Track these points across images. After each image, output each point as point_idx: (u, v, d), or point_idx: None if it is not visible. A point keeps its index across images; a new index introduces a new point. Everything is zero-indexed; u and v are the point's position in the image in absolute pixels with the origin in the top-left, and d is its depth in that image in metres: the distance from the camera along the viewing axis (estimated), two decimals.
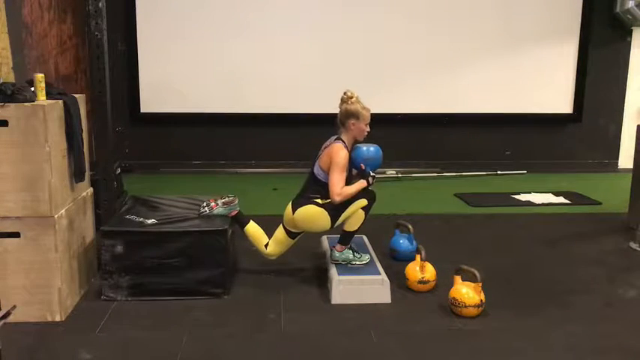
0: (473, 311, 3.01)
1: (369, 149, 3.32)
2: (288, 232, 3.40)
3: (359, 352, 2.72)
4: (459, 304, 3.02)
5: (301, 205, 3.29)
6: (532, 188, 5.84)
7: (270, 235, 3.47)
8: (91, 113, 3.76)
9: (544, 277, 3.62)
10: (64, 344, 2.75)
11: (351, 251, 3.42)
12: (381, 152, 3.34)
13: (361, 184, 3.25)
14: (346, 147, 3.27)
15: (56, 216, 2.90)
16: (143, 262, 3.15)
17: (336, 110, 3.36)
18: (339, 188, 3.20)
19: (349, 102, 3.28)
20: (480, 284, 3.02)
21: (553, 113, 6.85)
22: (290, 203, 3.36)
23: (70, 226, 3.08)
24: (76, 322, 2.96)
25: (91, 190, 3.50)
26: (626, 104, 6.95)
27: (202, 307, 3.11)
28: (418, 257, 3.36)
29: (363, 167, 3.28)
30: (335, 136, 3.34)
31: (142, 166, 6.44)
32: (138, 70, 6.35)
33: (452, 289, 3.08)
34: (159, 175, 6.43)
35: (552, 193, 5.70)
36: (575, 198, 5.57)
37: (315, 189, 3.31)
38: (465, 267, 3.10)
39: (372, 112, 3.31)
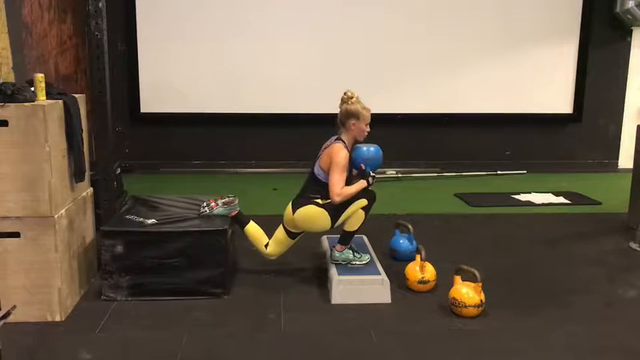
0: (473, 311, 3.01)
1: (369, 149, 3.32)
2: (288, 233, 3.40)
3: (359, 352, 2.72)
4: (459, 304, 3.02)
5: (301, 205, 3.29)
6: (532, 188, 5.84)
7: (270, 235, 3.47)
8: (91, 113, 3.76)
9: (544, 277, 3.62)
10: (64, 344, 2.75)
11: (351, 251, 3.42)
12: (381, 152, 3.34)
13: (361, 184, 3.25)
14: (346, 147, 3.27)
15: (56, 216, 2.90)
16: (143, 262, 3.15)
17: (336, 110, 3.36)
18: (339, 188, 3.20)
19: (349, 102, 3.28)
20: (480, 284, 3.02)
21: (553, 113, 6.85)
22: (290, 203, 3.36)
23: (70, 226, 3.08)
24: (76, 322, 2.96)
25: (91, 190, 3.50)
26: (626, 104, 6.95)
27: (202, 307, 3.11)
28: (418, 257, 3.36)
29: (363, 167, 3.28)
30: (335, 136, 3.34)
31: (142, 166, 6.44)
32: (138, 70, 6.35)
33: (452, 289, 3.08)
34: (159, 175, 6.43)
35: (552, 193, 5.70)
36: (575, 198, 5.57)
37: (315, 189, 3.31)
38: (465, 267, 3.10)
39: (372, 112, 3.31)
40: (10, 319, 2.29)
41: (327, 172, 3.24)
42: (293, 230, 3.38)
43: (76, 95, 3.26)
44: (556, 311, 3.13)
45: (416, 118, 6.64)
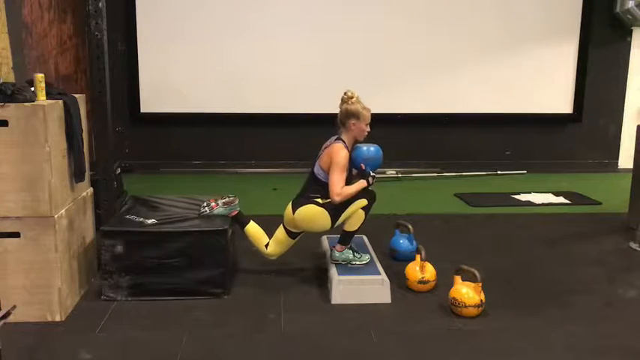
0: (473, 311, 3.01)
1: (370, 149, 3.32)
2: (288, 232, 3.40)
3: (359, 352, 2.72)
4: (459, 304, 3.02)
5: (301, 205, 3.29)
6: (532, 188, 5.84)
7: (270, 235, 3.47)
8: (91, 113, 3.76)
9: (544, 277, 3.62)
10: (64, 344, 2.75)
11: (351, 251, 3.42)
12: (381, 152, 3.34)
13: (361, 184, 3.25)
14: (346, 147, 3.27)
15: (56, 216, 2.90)
16: (143, 262, 3.15)
17: (336, 110, 3.36)
18: (339, 188, 3.20)
19: (349, 102, 3.28)
20: (480, 284, 3.02)
21: (553, 113, 6.85)
22: (290, 203, 3.36)
23: (70, 226, 3.08)
24: (76, 322, 2.96)
25: (91, 190, 3.50)
26: (626, 104, 6.95)
27: (202, 307, 3.11)
28: (418, 257, 3.36)
29: (364, 167, 3.28)
30: (335, 136, 3.34)
31: (142, 166, 6.44)
32: (138, 70, 6.35)
33: (452, 289, 3.08)
34: (159, 175, 6.43)
35: (552, 193, 5.70)
36: (575, 198, 5.57)
37: (315, 189, 3.31)
38: (465, 267, 3.10)
39: (372, 112, 3.31)
40: (10, 319, 2.29)
41: (327, 172, 3.24)
42: (293, 230, 3.38)
43: (76, 95, 3.26)
44: (556, 311, 3.13)
45: (416, 118, 6.64)
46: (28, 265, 2.88)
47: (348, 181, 3.30)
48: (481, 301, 3.02)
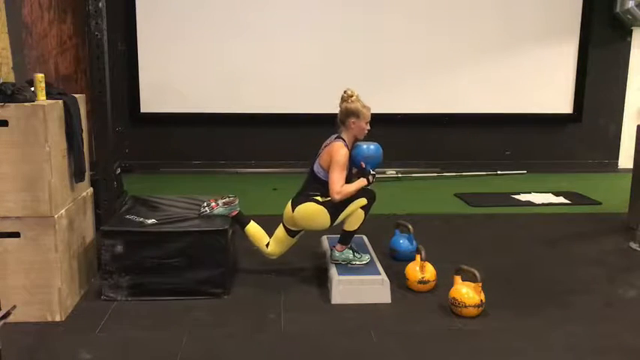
0: (473, 311, 3.01)
1: (370, 147, 3.32)
2: (288, 231, 3.40)
3: (359, 352, 2.72)
4: (459, 304, 3.02)
5: (301, 203, 3.29)
6: (532, 188, 5.84)
7: (270, 235, 3.47)
8: (91, 113, 3.76)
9: (544, 277, 3.62)
10: (64, 344, 2.75)
11: (351, 251, 3.42)
12: (381, 150, 3.34)
13: (361, 182, 3.25)
14: (346, 145, 3.27)
15: (56, 216, 2.90)
16: (143, 262, 3.15)
17: (335, 110, 3.36)
18: (338, 186, 3.20)
19: (349, 100, 3.28)
20: (480, 284, 3.02)
21: (553, 113, 6.85)
22: (290, 201, 3.36)
23: (70, 226, 3.08)
24: (76, 322, 2.96)
25: (91, 190, 3.50)
26: (626, 104, 6.95)
27: (202, 307, 3.11)
28: (418, 257, 3.36)
29: (364, 165, 3.28)
30: (335, 135, 3.34)
31: (142, 166, 6.44)
32: (138, 70, 6.35)
33: (452, 289, 3.08)
34: (159, 175, 6.43)
35: (552, 193, 5.70)
36: (575, 198, 5.57)
37: (315, 187, 3.30)
38: (465, 267, 3.10)
39: (372, 112, 3.31)
40: (10, 319, 2.29)
41: (327, 170, 3.24)
42: (293, 228, 3.38)
43: (76, 95, 3.26)
44: (556, 311, 3.13)
45: (416, 118, 6.64)
46: (28, 265, 2.88)
47: (348, 180, 3.29)
48: (481, 301, 3.02)
